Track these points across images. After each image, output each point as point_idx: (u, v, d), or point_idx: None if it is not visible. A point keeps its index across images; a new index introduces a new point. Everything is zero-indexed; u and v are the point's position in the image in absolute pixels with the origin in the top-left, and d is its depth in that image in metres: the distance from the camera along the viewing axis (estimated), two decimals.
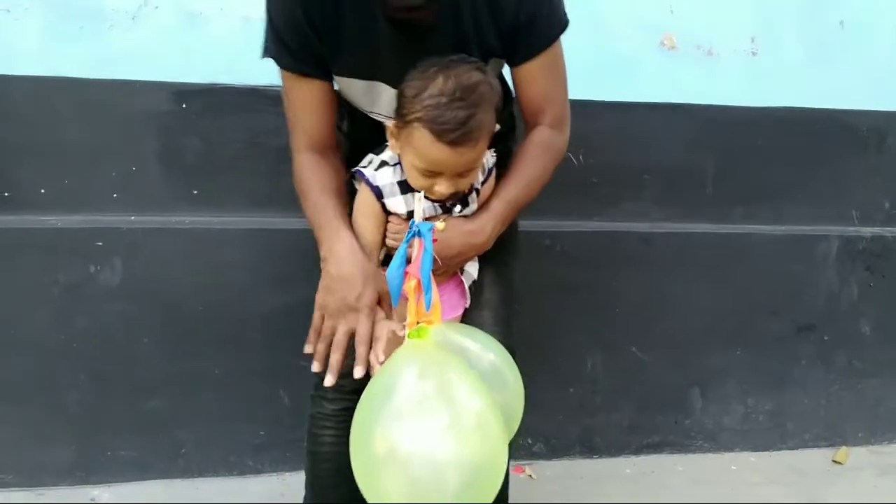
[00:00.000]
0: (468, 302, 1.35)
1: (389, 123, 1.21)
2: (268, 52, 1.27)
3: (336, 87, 1.32)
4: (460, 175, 1.17)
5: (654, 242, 2.05)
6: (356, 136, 1.43)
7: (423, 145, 1.12)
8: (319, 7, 1.20)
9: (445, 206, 1.25)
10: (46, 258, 1.73)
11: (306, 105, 1.29)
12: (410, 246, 1.11)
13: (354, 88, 1.30)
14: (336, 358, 1.16)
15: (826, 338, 2.19)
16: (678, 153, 2.11)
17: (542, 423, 2.02)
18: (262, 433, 1.87)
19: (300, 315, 1.29)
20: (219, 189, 1.87)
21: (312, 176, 1.28)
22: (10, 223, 1.74)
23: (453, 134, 1.09)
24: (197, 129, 1.84)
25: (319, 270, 1.23)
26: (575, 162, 2.04)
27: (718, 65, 2.11)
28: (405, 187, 1.22)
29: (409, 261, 1.11)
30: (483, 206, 1.28)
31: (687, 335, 2.09)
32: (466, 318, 1.34)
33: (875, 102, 2.21)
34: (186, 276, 1.79)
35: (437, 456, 0.93)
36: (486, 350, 1.15)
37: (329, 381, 1.16)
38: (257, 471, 1.88)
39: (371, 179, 1.22)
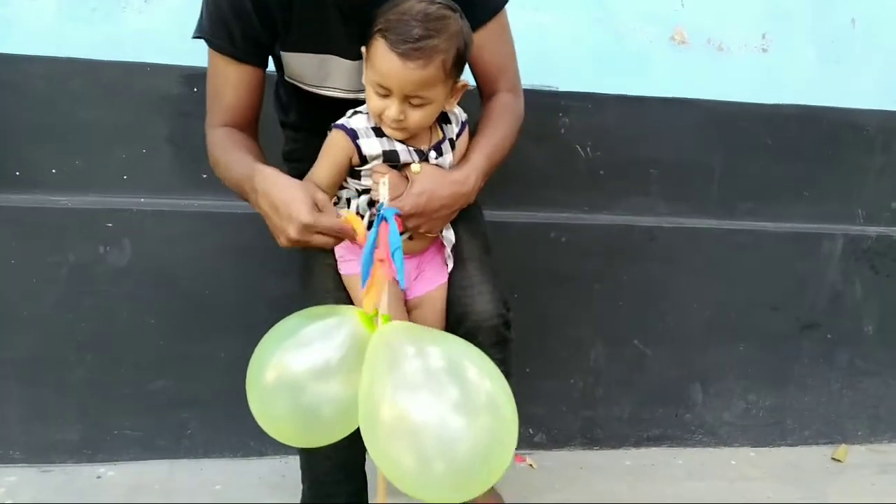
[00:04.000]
0: (450, 266, 1.37)
1: (340, 95, 1.29)
2: (202, 32, 1.29)
3: (285, 71, 1.35)
4: (410, 103, 1.19)
5: (660, 237, 2.06)
6: (305, 125, 1.46)
7: (377, 54, 1.16)
8: None
9: (421, 151, 1.28)
10: (56, 238, 1.74)
11: (234, 86, 1.31)
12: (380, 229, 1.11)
13: (305, 64, 1.32)
14: (319, 240, 1.11)
15: (829, 336, 2.19)
16: (686, 148, 2.12)
17: (544, 413, 2.04)
18: None
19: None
20: None
21: (228, 143, 1.29)
22: (20, 202, 1.75)
23: (404, 45, 1.13)
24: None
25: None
26: (582, 154, 2.05)
27: (728, 60, 2.12)
28: (379, 132, 1.25)
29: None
30: (463, 160, 1.33)
31: (690, 330, 2.10)
32: (452, 276, 1.37)
33: (884, 102, 2.21)
34: (194, 258, 1.81)
35: (447, 429, 0.93)
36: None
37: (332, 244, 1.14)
38: (260, 453, 1.90)
39: (346, 123, 1.25)
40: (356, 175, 1.29)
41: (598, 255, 2.02)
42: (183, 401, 1.85)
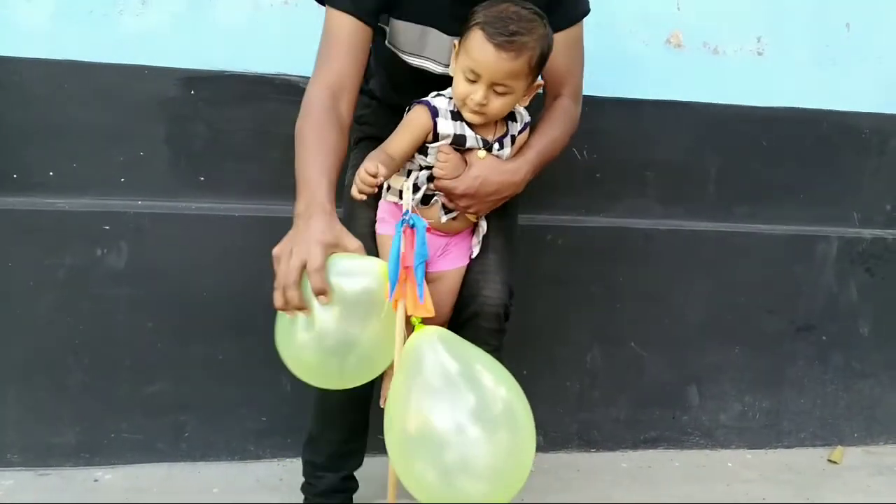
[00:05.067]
0: (475, 253, 1.48)
1: (433, 67, 1.44)
2: None
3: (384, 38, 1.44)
4: (495, 90, 1.31)
5: (656, 239, 2.07)
6: (379, 95, 1.60)
7: (473, 45, 1.28)
8: None
9: (486, 140, 1.39)
10: (53, 241, 1.74)
11: (346, 44, 1.37)
12: (404, 233, 1.16)
13: (408, 34, 1.43)
14: (291, 294, 1.12)
15: (824, 338, 2.20)
16: (682, 151, 2.13)
17: (541, 415, 1.99)
18: (263, 419, 1.89)
19: None
20: (225, 176, 1.88)
21: (322, 127, 1.31)
22: (18, 205, 1.75)
23: (500, 38, 1.26)
24: (204, 115, 1.86)
25: None
26: (579, 157, 2.06)
27: (724, 64, 2.13)
28: (455, 116, 1.36)
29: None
30: (518, 154, 1.44)
31: (686, 332, 2.11)
32: (472, 261, 1.47)
33: (879, 105, 2.22)
34: (191, 261, 1.81)
35: (468, 442, 0.97)
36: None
37: (289, 315, 1.14)
38: (258, 456, 1.90)
39: (430, 101, 1.37)
40: (423, 151, 1.39)
41: (595, 257, 2.03)
42: (180, 404, 1.85)
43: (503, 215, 1.51)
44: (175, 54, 1.83)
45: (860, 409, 2.26)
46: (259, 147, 1.87)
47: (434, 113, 1.35)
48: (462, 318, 1.46)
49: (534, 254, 1.98)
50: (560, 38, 1.42)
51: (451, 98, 1.37)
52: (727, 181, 2.17)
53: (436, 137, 1.36)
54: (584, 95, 1.97)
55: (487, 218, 1.48)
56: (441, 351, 1.05)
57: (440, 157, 1.37)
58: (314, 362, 1.17)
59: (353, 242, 1.17)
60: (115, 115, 1.82)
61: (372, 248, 1.42)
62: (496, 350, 1.44)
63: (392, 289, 1.12)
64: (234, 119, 1.86)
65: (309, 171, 1.26)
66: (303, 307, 1.13)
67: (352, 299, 1.14)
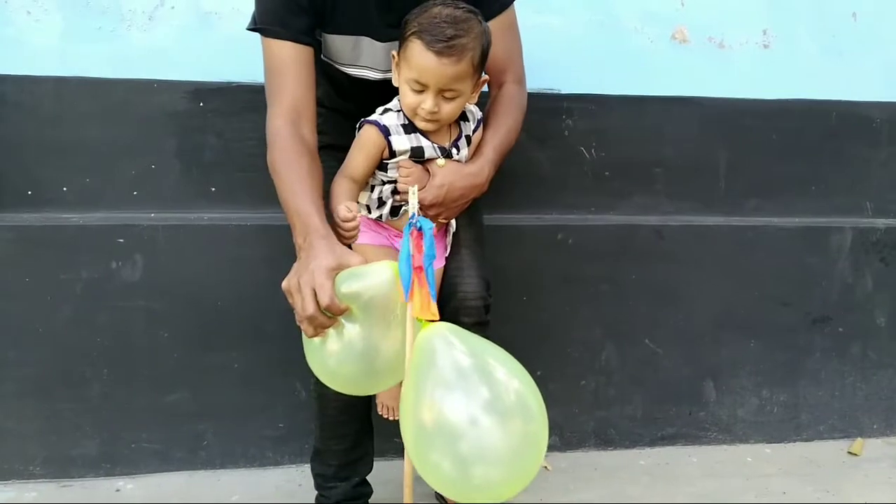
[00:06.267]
0: (447, 252, 1.51)
1: (371, 74, 1.45)
2: (255, 24, 1.40)
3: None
4: (444, 96, 1.31)
5: (667, 235, 2.06)
6: (326, 103, 1.58)
7: (413, 54, 1.28)
8: None
9: (444, 147, 1.40)
10: (68, 255, 1.77)
11: (292, 69, 1.39)
12: (411, 236, 1.17)
13: (341, 45, 1.46)
14: (316, 321, 1.16)
15: (840, 329, 2.18)
16: (690, 146, 2.12)
17: (557, 415, 2.04)
18: (280, 426, 1.90)
19: None
20: (236, 186, 1.90)
21: (291, 156, 1.34)
22: (32, 221, 1.78)
23: (439, 44, 1.26)
24: (214, 127, 1.87)
25: None
26: (587, 155, 2.06)
27: (730, 57, 2.12)
28: (408, 129, 1.37)
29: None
30: (477, 154, 1.46)
31: (700, 327, 2.10)
32: (448, 259, 1.50)
33: (887, 94, 2.21)
34: (205, 271, 1.83)
35: (482, 433, 0.99)
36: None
37: (316, 337, 1.20)
38: (276, 462, 1.91)
39: (378, 120, 1.37)
40: (383, 167, 1.40)
41: (606, 255, 2.02)
42: (199, 412, 1.86)
43: (468, 210, 1.51)
44: (183, 67, 1.85)
45: (879, 399, 2.24)
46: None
47: (385, 132, 1.36)
48: (443, 316, 1.44)
49: (544, 254, 1.98)
50: (495, 26, 1.42)
51: (399, 111, 1.38)
52: (737, 175, 2.16)
53: (393, 154, 1.38)
54: (591, 94, 1.98)
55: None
56: (455, 343, 1.07)
57: (402, 173, 1.38)
58: (348, 372, 1.21)
59: (355, 258, 1.20)
60: (126, 130, 1.84)
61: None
62: None
63: (406, 290, 1.14)
64: (243, 129, 1.88)
65: (296, 203, 1.29)
66: (331, 324, 1.17)
67: (370, 305, 1.18)
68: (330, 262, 1.18)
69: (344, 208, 1.27)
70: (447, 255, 1.51)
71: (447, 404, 1.01)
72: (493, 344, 1.15)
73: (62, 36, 1.82)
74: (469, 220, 1.54)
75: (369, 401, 1.57)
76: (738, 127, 2.13)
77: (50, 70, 1.81)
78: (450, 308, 1.46)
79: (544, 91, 2.01)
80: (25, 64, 1.80)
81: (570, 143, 2.05)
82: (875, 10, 2.16)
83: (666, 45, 2.08)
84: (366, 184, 1.43)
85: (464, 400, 1.00)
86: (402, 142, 1.37)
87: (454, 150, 1.42)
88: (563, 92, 2.03)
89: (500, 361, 1.08)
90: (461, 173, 1.41)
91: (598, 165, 2.08)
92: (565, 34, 2.02)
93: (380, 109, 1.40)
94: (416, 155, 1.39)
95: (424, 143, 1.38)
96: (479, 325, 1.47)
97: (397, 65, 1.35)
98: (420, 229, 1.17)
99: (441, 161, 1.40)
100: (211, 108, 1.86)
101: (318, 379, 1.43)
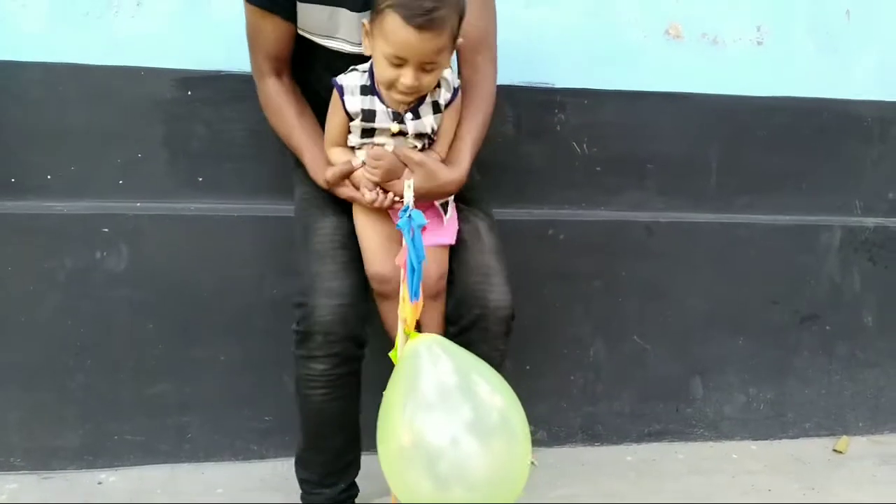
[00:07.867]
0: (445, 221, 1.45)
1: (348, 48, 1.42)
2: None
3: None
4: (423, 69, 1.27)
5: (657, 232, 2.06)
6: (296, 77, 1.56)
7: (392, 29, 1.22)
8: None
9: (398, 114, 1.34)
10: (53, 244, 1.74)
11: (270, 37, 1.45)
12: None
13: (316, 16, 1.42)
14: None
15: (828, 328, 2.19)
16: (682, 143, 2.12)
17: (545, 410, 2.04)
18: (266, 419, 1.89)
19: None
20: (224, 176, 1.88)
21: (286, 99, 1.50)
22: (16, 209, 1.75)
23: (420, 18, 1.20)
24: (202, 116, 1.85)
25: None
26: (579, 150, 2.05)
27: (724, 54, 2.11)
28: (366, 90, 1.34)
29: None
30: (453, 148, 1.44)
31: (689, 324, 2.10)
32: (470, 261, 1.45)
33: (880, 92, 2.20)
34: (192, 262, 1.80)
35: (462, 452, 0.96)
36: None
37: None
38: (262, 456, 1.90)
39: (337, 80, 1.36)
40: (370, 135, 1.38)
41: (597, 251, 2.02)
42: (183, 404, 1.84)
43: (488, 213, 1.53)
44: (171, 55, 1.82)
45: (865, 398, 2.25)
46: (257, 146, 1.85)
47: (340, 91, 1.34)
48: (467, 321, 1.44)
49: (535, 248, 1.97)
50: (469, 2, 1.37)
51: (365, 72, 1.35)
52: (728, 172, 2.15)
53: (349, 116, 1.35)
54: (583, 89, 1.96)
55: (474, 216, 1.51)
56: (439, 355, 1.04)
57: (370, 164, 1.35)
58: None
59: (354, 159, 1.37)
60: (113, 117, 1.81)
61: (329, 264, 1.42)
62: (504, 354, 1.46)
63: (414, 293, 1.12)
64: (231, 119, 1.85)
65: (301, 139, 1.47)
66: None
67: None
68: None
69: (350, 161, 1.34)
70: (470, 257, 1.46)
71: (428, 423, 0.98)
72: (478, 359, 1.12)
73: (48, 21, 1.78)
74: (488, 223, 1.52)
75: (356, 409, 1.52)
76: (730, 124, 2.13)
77: (36, 56, 1.77)
78: (474, 315, 1.43)
79: (537, 85, 1.99)
80: (11, 49, 1.76)
81: (563, 137, 2.04)
82: (869, 8, 2.16)
83: (660, 40, 2.07)
84: (345, 143, 1.41)
85: (445, 418, 0.97)
86: (354, 102, 1.34)
87: (409, 116, 1.35)
88: (556, 86, 2.02)
89: (485, 378, 1.04)
90: (439, 165, 1.39)
91: (590, 160, 2.06)
92: (558, 28, 2.01)
93: (349, 69, 1.38)
94: (367, 118, 1.35)
95: (378, 106, 1.34)
96: (506, 334, 1.45)
97: (369, 34, 1.29)
98: (410, 219, 1.15)
99: (394, 126, 1.34)
100: (199, 96, 1.84)
101: (302, 391, 1.44)
